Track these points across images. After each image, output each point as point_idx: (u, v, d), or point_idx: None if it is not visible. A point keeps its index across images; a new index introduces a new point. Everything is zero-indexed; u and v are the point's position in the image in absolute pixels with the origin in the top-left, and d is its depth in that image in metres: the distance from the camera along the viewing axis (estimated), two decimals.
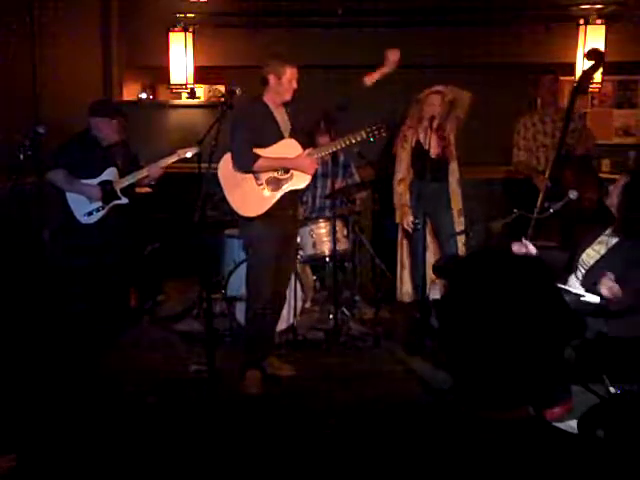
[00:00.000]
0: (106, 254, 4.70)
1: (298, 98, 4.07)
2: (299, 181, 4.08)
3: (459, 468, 1.08)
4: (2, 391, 3.70)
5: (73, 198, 4.69)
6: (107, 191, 4.70)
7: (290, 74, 3.97)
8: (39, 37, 5.66)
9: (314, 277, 5.34)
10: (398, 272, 5.37)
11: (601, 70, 6.02)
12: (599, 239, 3.49)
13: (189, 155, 4.63)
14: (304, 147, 4.08)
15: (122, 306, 4.98)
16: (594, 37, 6.35)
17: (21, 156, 4.36)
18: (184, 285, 5.77)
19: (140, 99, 7.04)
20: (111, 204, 4.72)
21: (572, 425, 3.10)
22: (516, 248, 3.52)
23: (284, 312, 4.47)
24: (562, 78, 6.11)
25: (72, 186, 4.67)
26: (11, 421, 3.41)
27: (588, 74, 4.78)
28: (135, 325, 5.10)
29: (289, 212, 4.13)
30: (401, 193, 5.04)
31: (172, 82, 6.77)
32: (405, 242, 5.29)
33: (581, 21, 6.43)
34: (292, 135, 4.08)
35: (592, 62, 4.74)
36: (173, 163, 4.77)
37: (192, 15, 6.59)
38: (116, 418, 3.55)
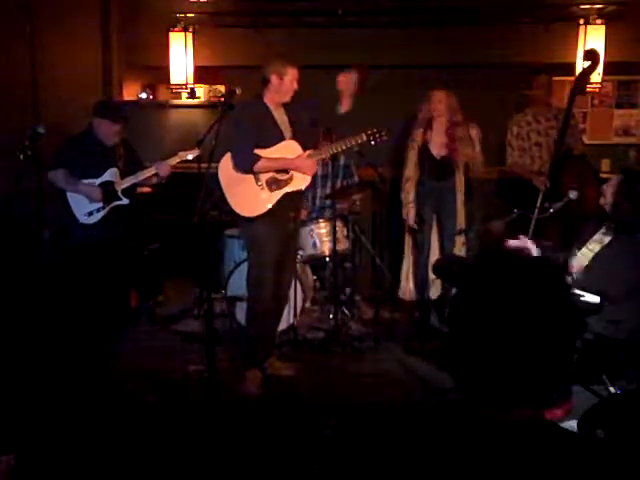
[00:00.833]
0: (106, 254, 4.70)
1: (297, 98, 4.07)
2: (299, 182, 4.08)
3: (459, 468, 1.08)
4: (2, 391, 3.70)
5: (74, 198, 4.68)
6: (108, 192, 4.70)
7: (292, 74, 3.97)
8: (39, 37, 5.66)
9: (314, 277, 5.34)
10: (403, 269, 5.34)
11: (600, 70, 6.03)
12: (593, 238, 3.49)
13: (190, 157, 4.66)
14: (304, 149, 4.08)
15: (122, 306, 4.98)
16: (594, 37, 6.34)
17: (21, 156, 4.35)
18: (184, 285, 5.77)
19: (140, 99, 7.03)
20: (112, 204, 4.71)
21: (572, 425, 3.10)
22: (512, 242, 3.47)
23: (284, 312, 4.47)
24: (562, 78, 6.13)
25: (73, 186, 4.67)
26: (11, 421, 3.40)
27: (585, 74, 4.79)
28: (135, 325, 5.10)
29: (290, 213, 4.13)
30: (407, 192, 5.06)
31: (172, 82, 6.77)
32: (410, 240, 5.29)
33: (581, 21, 6.42)
34: (293, 136, 4.08)
35: (589, 62, 4.74)
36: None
37: (192, 15, 6.59)
38: (116, 418, 3.55)
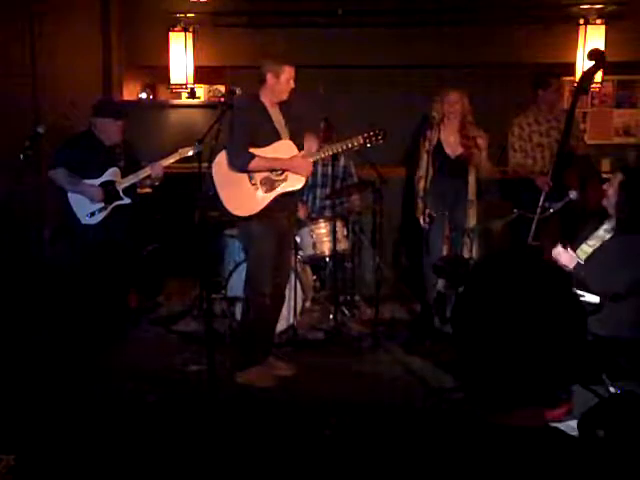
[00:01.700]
0: (107, 254, 4.69)
1: (296, 98, 4.07)
2: (293, 182, 4.07)
3: (460, 469, 1.07)
4: (2, 391, 3.70)
5: (75, 198, 4.67)
6: (109, 191, 4.70)
7: (288, 73, 3.96)
8: (39, 37, 5.66)
9: (314, 277, 5.33)
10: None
11: (601, 70, 6.02)
12: (594, 234, 3.49)
13: (190, 153, 4.61)
14: (300, 149, 4.08)
15: (122, 306, 4.98)
16: (594, 37, 6.34)
17: (21, 156, 4.36)
18: (184, 285, 5.77)
19: (140, 99, 7.03)
20: (113, 204, 4.71)
21: (572, 425, 3.11)
22: (563, 257, 3.36)
23: (284, 312, 4.47)
24: (562, 78, 6.12)
25: (74, 186, 4.67)
26: (11, 421, 3.40)
27: (589, 74, 4.78)
28: (135, 325, 5.10)
29: (284, 213, 4.12)
30: (419, 190, 5.06)
31: (172, 82, 6.76)
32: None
33: (581, 21, 6.42)
34: (290, 136, 4.07)
35: (593, 62, 4.74)
36: (174, 163, 4.76)
37: (192, 15, 6.59)
38: (116, 418, 3.55)
